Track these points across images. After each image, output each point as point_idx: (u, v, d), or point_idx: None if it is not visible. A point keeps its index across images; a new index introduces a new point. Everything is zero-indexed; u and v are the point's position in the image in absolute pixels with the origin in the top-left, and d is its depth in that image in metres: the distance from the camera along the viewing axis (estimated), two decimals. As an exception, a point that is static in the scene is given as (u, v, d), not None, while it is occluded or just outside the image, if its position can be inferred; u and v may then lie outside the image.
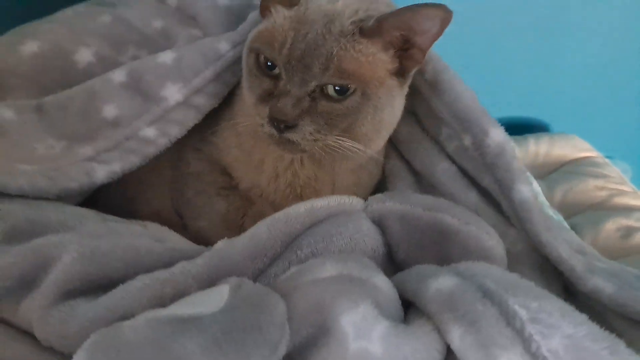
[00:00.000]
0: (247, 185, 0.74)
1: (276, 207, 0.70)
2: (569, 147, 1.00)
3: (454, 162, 0.69)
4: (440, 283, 0.43)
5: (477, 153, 0.66)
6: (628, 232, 0.76)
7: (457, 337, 0.39)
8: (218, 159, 0.74)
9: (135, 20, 0.74)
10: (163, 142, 0.68)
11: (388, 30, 0.60)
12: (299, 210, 0.54)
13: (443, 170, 0.68)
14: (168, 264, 0.48)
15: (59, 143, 0.64)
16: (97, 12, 0.75)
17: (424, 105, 0.70)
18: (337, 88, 0.60)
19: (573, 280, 0.55)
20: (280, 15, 0.63)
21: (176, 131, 0.69)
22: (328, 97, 0.61)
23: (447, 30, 0.61)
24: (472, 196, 0.66)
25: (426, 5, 0.57)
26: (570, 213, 0.84)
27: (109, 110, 0.66)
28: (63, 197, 0.62)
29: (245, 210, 0.70)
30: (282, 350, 0.40)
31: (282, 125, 0.59)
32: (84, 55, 0.69)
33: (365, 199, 0.62)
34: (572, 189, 0.88)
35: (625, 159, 1.15)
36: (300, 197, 0.70)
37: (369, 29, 0.60)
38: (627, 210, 0.81)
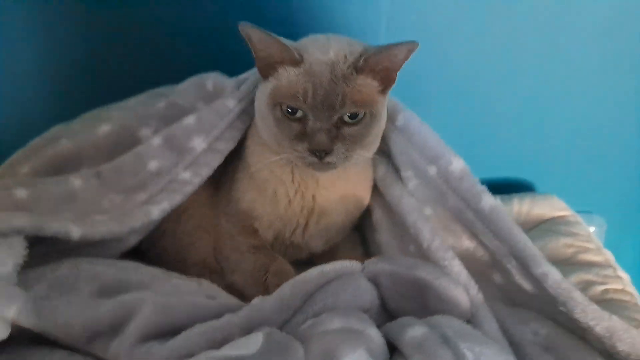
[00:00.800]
0: (267, 223, 0.91)
1: (296, 238, 0.91)
2: (548, 207, 1.13)
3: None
4: (414, 331, 0.60)
5: (441, 180, 0.85)
6: (587, 285, 0.90)
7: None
8: (243, 214, 0.91)
9: (184, 103, 0.94)
10: (197, 181, 0.87)
11: (373, 65, 0.80)
12: (313, 273, 0.69)
13: (407, 203, 0.86)
14: (218, 315, 0.65)
15: (118, 196, 0.84)
16: (155, 99, 0.95)
17: (393, 149, 0.90)
18: (349, 115, 0.79)
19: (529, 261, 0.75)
20: (290, 73, 0.81)
21: (206, 171, 0.88)
22: (346, 123, 0.80)
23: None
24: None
25: (398, 43, 0.77)
26: (543, 267, 0.99)
27: (153, 165, 0.86)
28: (130, 236, 0.82)
29: (268, 267, 0.87)
30: (302, 383, 0.56)
31: (322, 153, 0.78)
32: (145, 132, 0.90)
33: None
34: (546, 245, 1.02)
35: (602, 213, 1.28)
36: (313, 209, 0.90)
37: (360, 67, 0.79)
38: (589, 265, 0.95)
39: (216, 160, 0.89)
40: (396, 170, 0.91)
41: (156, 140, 0.87)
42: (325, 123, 0.79)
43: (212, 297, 0.69)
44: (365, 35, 1.11)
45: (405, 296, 0.71)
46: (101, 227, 0.76)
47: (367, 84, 0.81)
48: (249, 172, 0.91)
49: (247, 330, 0.62)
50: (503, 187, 1.27)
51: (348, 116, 0.80)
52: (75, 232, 0.74)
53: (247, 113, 0.91)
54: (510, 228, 0.78)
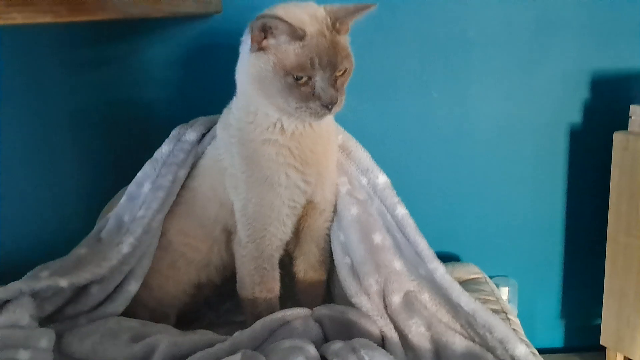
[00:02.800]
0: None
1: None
2: (464, 272, 1.44)
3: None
4: (335, 345, 0.93)
5: (370, 188, 1.13)
6: (482, 324, 1.24)
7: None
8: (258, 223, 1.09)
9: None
10: (149, 214, 1.11)
11: (347, 25, 0.98)
12: (278, 315, 1.01)
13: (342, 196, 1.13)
14: (211, 345, 0.97)
15: (109, 250, 1.12)
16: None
17: None
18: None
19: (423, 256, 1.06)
20: (295, 46, 0.94)
21: (155, 204, 1.12)
22: (337, 76, 0.96)
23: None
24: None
25: (361, 6, 0.97)
26: (454, 315, 1.32)
27: (126, 217, 1.14)
28: (116, 275, 1.08)
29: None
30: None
31: (333, 104, 0.95)
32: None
33: None
34: (458, 299, 1.36)
35: (515, 276, 1.60)
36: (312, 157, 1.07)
37: (338, 29, 0.97)
38: (485, 311, 1.29)
39: (161, 193, 1.13)
40: None
41: (124, 198, 1.17)
42: (331, 79, 0.95)
43: (205, 335, 1.04)
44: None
45: (339, 331, 1.04)
46: (85, 274, 1.06)
47: (345, 40, 1.00)
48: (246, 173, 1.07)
49: (231, 352, 0.95)
50: (442, 258, 1.54)
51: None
52: (63, 282, 1.03)
53: (178, 150, 1.16)
54: (414, 232, 1.09)
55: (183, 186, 1.18)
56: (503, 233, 1.62)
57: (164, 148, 1.18)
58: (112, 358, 0.99)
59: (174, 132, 1.20)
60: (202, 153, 1.19)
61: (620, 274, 1.41)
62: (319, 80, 0.95)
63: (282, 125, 1.04)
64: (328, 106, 0.95)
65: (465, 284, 1.42)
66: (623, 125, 1.39)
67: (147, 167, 1.17)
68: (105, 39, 1.46)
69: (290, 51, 0.95)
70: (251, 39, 0.97)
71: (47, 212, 1.56)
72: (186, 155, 1.17)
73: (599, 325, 1.49)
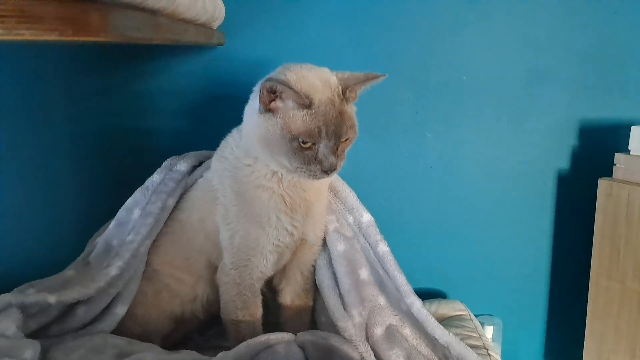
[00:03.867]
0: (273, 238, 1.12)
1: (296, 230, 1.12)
2: (449, 308, 1.48)
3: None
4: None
5: (355, 226, 1.18)
6: (463, 359, 1.26)
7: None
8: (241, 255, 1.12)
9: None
10: (138, 239, 1.15)
11: (354, 92, 1.02)
12: (262, 339, 1.03)
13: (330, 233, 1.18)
14: (197, 364, 1.01)
15: (96, 272, 1.14)
16: None
17: None
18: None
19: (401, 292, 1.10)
20: (303, 113, 0.97)
21: (144, 230, 1.15)
22: (341, 142, 1.00)
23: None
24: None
25: (373, 76, 1.02)
26: (436, 350, 1.34)
27: (114, 242, 1.17)
28: (103, 297, 1.11)
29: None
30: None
31: (331, 171, 0.99)
32: None
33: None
34: (441, 334, 1.38)
35: (500, 315, 1.61)
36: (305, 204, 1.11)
37: (347, 98, 1.01)
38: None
39: (150, 219, 1.17)
40: None
41: (112, 224, 1.20)
42: (333, 148, 0.99)
43: (190, 355, 1.06)
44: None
45: (321, 356, 1.06)
46: (73, 293, 1.09)
47: (352, 109, 1.04)
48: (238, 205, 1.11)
49: (215, 371, 0.98)
50: (425, 295, 1.58)
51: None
52: (51, 299, 1.06)
53: (169, 179, 1.20)
54: (394, 268, 1.14)
55: (170, 217, 1.21)
56: (490, 273, 1.65)
57: (155, 177, 1.22)
58: (97, 374, 1.01)
59: (166, 163, 1.25)
60: (192, 184, 1.23)
61: (600, 317, 1.44)
62: (323, 147, 0.99)
63: (280, 177, 1.09)
64: (327, 171, 0.99)
65: (449, 320, 1.45)
66: (608, 172, 1.44)
67: (138, 194, 1.21)
68: (108, 67, 1.52)
69: (298, 117, 0.98)
70: (260, 99, 1.00)
71: (42, 234, 1.59)
72: (176, 185, 1.21)
73: (581, 367, 1.51)
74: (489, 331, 1.57)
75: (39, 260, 1.53)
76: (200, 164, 1.26)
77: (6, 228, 1.57)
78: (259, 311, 1.17)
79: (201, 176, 1.23)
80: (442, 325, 1.40)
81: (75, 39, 0.54)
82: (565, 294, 1.65)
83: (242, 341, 1.05)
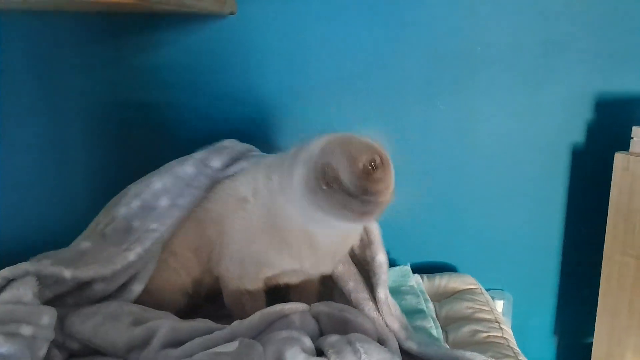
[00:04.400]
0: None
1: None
2: (460, 282, 1.48)
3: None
4: (331, 338, 0.95)
5: (369, 260, 1.15)
6: (475, 332, 1.25)
7: (332, 359, 0.90)
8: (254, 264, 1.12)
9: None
10: (162, 229, 1.13)
11: None
12: (276, 308, 1.03)
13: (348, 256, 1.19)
14: (209, 332, 1.00)
15: (114, 248, 1.13)
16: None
17: None
18: None
19: (398, 337, 1.08)
20: None
21: (169, 221, 1.14)
22: None
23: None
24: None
25: None
26: (448, 322, 1.33)
27: (136, 223, 1.15)
28: (119, 277, 1.10)
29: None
30: (259, 371, 0.91)
31: None
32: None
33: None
34: (452, 308, 1.36)
35: (510, 290, 1.64)
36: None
37: None
38: (479, 320, 1.29)
39: (178, 212, 1.15)
40: None
41: (136, 204, 1.17)
42: None
43: (205, 323, 1.06)
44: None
45: (336, 328, 1.05)
46: (89, 271, 1.07)
47: None
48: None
49: (229, 339, 0.96)
50: (435, 269, 1.62)
51: None
52: (67, 273, 1.04)
53: (202, 176, 1.17)
54: (386, 313, 1.11)
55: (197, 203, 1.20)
56: (501, 247, 1.65)
57: (189, 169, 1.19)
58: (113, 340, 1.01)
59: (200, 155, 1.21)
60: (222, 179, 1.21)
61: (614, 293, 1.43)
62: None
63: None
64: None
65: (460, 294, 1.45)
66: (624, 146, 1.42)
67: (168, 182, 1.18)
68: (118, 37, 1.50)
69: None
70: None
71: (54, 205, 1.59)
72: (208, 181, 1.19)
73: (591, 344, 1.50)
74: (499, 306, 1.58)
75: (51, 231, 1.54)
76: (234, 161, 1.24)
77: (19, 199, 1.57)
78: (262, 296, 1.18)
79: (234, 174, 1.22)
80: (453, 297, 1.42)
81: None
82: (577, 269, 1.65)
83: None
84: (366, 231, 1.17)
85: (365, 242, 1.18)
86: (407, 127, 1.56)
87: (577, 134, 1.57)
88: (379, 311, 1.13)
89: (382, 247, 1.18)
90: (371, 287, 1.17)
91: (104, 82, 1.52)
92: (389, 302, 1.14)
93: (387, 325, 1.11)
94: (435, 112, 1.55)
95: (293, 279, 1.20)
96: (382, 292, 1.13)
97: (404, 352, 1.08)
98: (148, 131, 1.55)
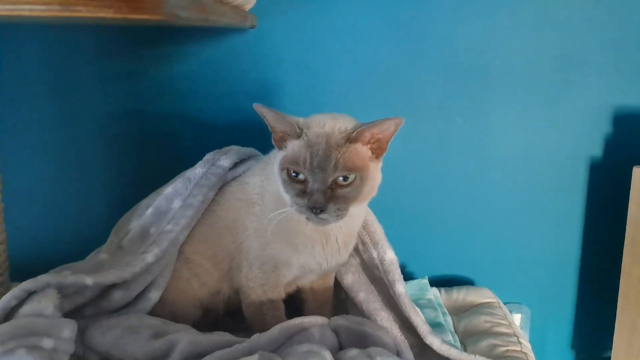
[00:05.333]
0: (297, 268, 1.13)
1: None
2: (478, 296, 1.48)
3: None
4: (352, 352, 0.96)
5: (379, 261, 1.16)
6: (494, 347, 1.24)
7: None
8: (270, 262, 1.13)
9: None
10: (177, 229, 1.15)
11: (365, 136, 0.99)
12: (296, 321, 1.04)
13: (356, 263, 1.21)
14: (229, 345, 1.01)
15: (131, 256, 1.14)
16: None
17: None
18: (342, 177, 0.97)
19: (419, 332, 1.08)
20: (295, 144, 1.00)
21: (183, 221, 1.16)
22: (339, 185, 0.98)
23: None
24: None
25: (387, 119, 0.97)
26: (466, 336, 1.32)
27: (152, 230, 1.17)
28: (139, 282, 1.11)
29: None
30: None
31: (317, 210, 0.96)
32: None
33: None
34: (471, 322, 1.36)
35: (528, 304, 1.62)
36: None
37: (353, 138, 0.98)
38: (497, 334, 1.28)
39: (191, 211, 1.17)
40: None
41: (150, 211, 1.20)
42: (321, 185, 0.96)
43: (224, 336, 1.06)
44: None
45: (355, 342, 1.06)
46: (109, 275, 1.08)
47: (359, 152, 1.00)
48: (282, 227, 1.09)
49: (249, 353, 0.97)
50: (452, 282, 1.61)
51: (341, 178, 0.97)
52: (88, 280, 1.06)
53: (211, 174, 1.19)
54: (409, 310, 1.12)
55: (208, 209, 1.21)
56: (519, 261, 1.64)
57: (198, 170, 1.21)
58: (132, 353, 1.02)
59: (208, 157, 1.24)
60: (231, 180, 1.23)
61: (632, 308, 1.42)
62: (311, 182, 0.98)
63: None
64: (312, 209, 0.97)
65: (478, 307, 1.44)
66: (643, 160, 1.41)
67: (179, 185, 1.20)
68: (136, 51, 1.52)
69: (291, 148, 1.02)
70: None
71: (70, 215, 1.61)
72: (217, 180, 1.21)
73: (609, 357, 1.49)
74: (516, 319, 1.57)
75: (68, 241, 1.56)
76: (242, 160, 1.25)
77: (36, 207, 1.59)
78: (282, 306, 1.18)
79: (242, 174, 1.24)
80: (471, 311, 1.42)
81: (129, 16, 0.53)
82: (595, 284, 1.64)
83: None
84: (368, 232, 1.18)
85: (370, 244, 1.19)
86: (424, 140, 1.56)
87: (595, 148, 1.56)
88: (393, 320, 1.15)
89: (389, 245, 1.18)
90: (386, 289, 1.17)
91: (123, 93, 1.54)
92: (407, 301, 1.14)
93: (409, 318, 1.11)
94: (453, 126, 1.55)
95: (311, 278, 1.20)
96: (401, 287, 1.14)
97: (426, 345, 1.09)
98: (166, 141, 1.56)
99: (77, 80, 1.53)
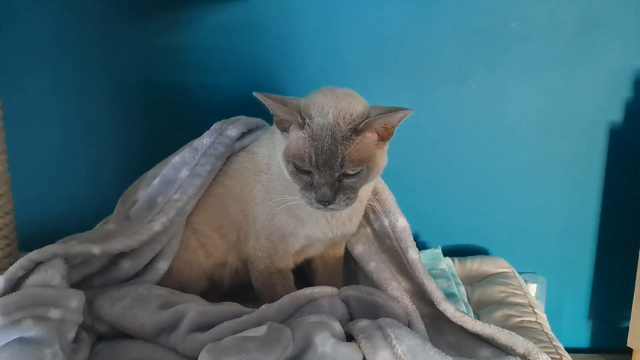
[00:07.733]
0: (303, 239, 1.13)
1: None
2: (492, 265, 1.45)
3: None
4: (361, 322, 0.93)
5: (390, 229, 1.14)
6: (507, 317, 1.22)
7: (362, 344, 0.89)
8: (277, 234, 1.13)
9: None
10: (185, 198, 1.15)
11: (373, 126, 0.97)
12: (306, 292, 1.02)
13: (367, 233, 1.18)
14: (238, 316, 0.99)
15: (140, 226, 1.13)
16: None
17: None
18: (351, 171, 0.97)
19: (433, 299, 1.06)
20: (298, 135, 0.98)
21: (191, 190, 1.15)
22: (348, 176, 0.97)
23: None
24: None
25: (396, 110, 0.95)
26: (480, 306, 1.30)
27: (159, 199, 1.16)
28: (146, 252, 1.11)
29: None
30: (289, 351, 0.90)
31: (326, 202, 0.97)
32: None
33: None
34: (485, 291, 1.34)
35: (544, 274, 1.59)
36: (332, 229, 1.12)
37: (361, 129, 0.96)
38: (512, 305, 1.27)
39: (198, 180, 1.16)
40: None
41: (158, 180, 1.19)
42: (329, 179, 0.96)
43: (233, 306, 1.05)
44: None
45: (365, 312, 1.04)
46: (117, 244, 1.08)
47: (366, 141, 0.98)
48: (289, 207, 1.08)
49: (258, 323, 0.95)
50: (467, 252, 1.59)
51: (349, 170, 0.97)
52: (96, 249, 1.05)
53: (218, 143, 1.18)
54: (423, 276, 1.09)
55: (215, 179, 1.20)
56: (534, 229, 1.61)
57: (205, 139, 1.20)
58: (141, 323, 1.01)
59: (215, 126, 1.22)
60: (239, 150, 1.22)
61: (652, 277, 1.39)
62: (317, 176, 0.98)
63: None
64: (321, 202, 0.97)
65: (493, 277, 1.42)
66: (665, 125, 1.36)
67: (186, 154, 1.19)
68: (144, 17, 1.49)
69: (294, 138, 1.00)
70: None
71: (80, 183, 1.61)
72: (225, 150, 1.19)
73: (627, 328, 1.46)
74: (532, 289, 1.54)
75: (76, 211, 1.56)
76: (249, 130, 1.23)
77: (45, 176, 1.58)
78: (291, 276, 1.18)
79: (249, 144, 1.22)
80: (485, 281, 1.39)
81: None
82: (613, 253, 1.60)
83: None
84: (379, 200, 1.16)
85: (381, 213, 1.16)
86: (438, 106, 1.52)
87: (615, 113, 1.51)
88: (402, 290, 1.13)
89: (401, 212, 1.16)
90: (398, 258, 1.15)
91: (130, 60, 1.52)
92: (420, 267, 1.12)
93: (423, 285, 1.09)
94: (467, 91, 1.51)
95: (319, 248, 1.19)
96: (414, 253, 1.12)
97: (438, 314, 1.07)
98: (173, 110, 1.54)
99: (84, 49, 1.51)
